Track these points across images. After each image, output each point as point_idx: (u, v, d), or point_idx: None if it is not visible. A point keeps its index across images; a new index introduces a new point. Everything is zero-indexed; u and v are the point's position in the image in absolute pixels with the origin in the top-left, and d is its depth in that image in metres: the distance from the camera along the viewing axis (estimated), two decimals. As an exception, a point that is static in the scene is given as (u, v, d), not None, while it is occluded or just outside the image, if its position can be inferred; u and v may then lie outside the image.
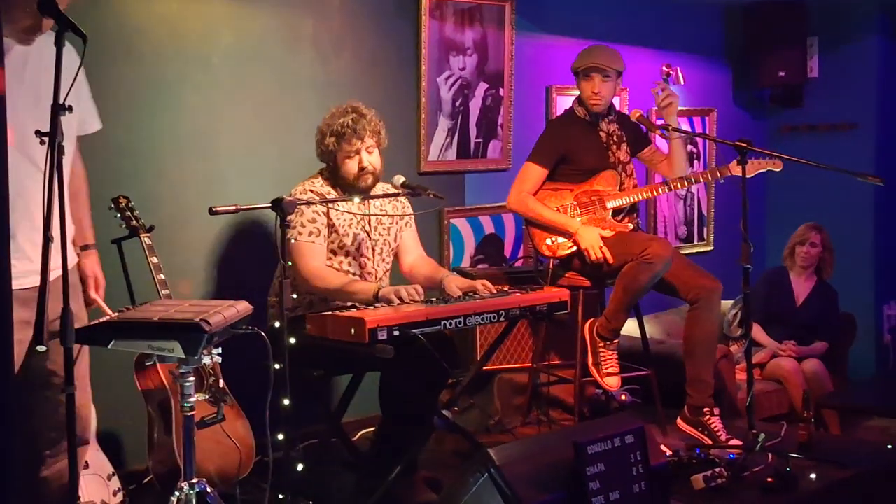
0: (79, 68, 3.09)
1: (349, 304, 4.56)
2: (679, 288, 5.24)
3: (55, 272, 3.54)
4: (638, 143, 5.55)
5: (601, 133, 5.43)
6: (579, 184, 5.39)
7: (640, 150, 5.56)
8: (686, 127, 7.56)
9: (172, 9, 4.98)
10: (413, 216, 5.03)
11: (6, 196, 2.80)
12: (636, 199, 5.42)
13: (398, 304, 4.44)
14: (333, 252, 4.71)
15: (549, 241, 5.38)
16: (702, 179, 5.64)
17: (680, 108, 7.41)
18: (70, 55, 3.57)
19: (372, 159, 4.70)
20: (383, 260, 4.85)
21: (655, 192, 5.55)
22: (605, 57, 5.38)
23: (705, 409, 5.15)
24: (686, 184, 5.58)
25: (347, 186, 4.71)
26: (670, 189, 5.55)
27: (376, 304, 4.47)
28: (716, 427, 5.10)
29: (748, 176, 4.94)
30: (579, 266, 5.36)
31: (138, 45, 4.84)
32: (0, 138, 2.72)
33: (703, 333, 5.20)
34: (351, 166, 4.68)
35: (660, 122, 5.43)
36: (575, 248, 5.31)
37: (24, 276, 3.25)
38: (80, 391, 3.71)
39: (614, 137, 5.45)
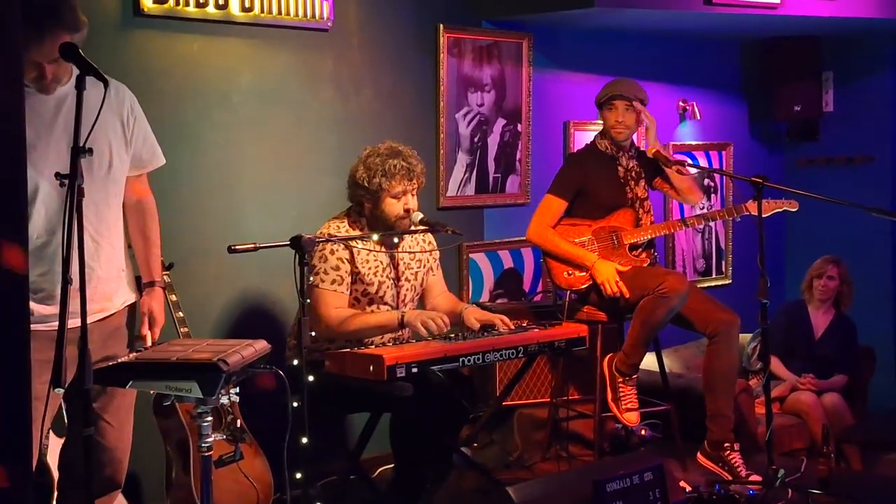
0: (100, 109, 3.11)
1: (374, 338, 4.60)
2: (697, 322, 5.23)
3: (100, 314, 3.58)
4: (654, 176, 5.57)
5: (620, 168, 5.45)
6: (597, 220, 5.40)
7: (653, 180, 5.58)
8: (703, 161, 7.57)
9: (193, 48, 5.03)
10: (438, 260, 5.01)
11: (26, 239, 2.82)
12: (654, 235, 5.43)
13: (426, 337, 4.48)
14: (357, 300, 4.67)
15: (566, 274, 5.38)
16: (718, 218, 5.66)
17: (697, 142, 7.48)
18: (121, 93, 3.64)
19: (414, 203, 4.69)
20: (405, 306, 4.82)
21: (673, 229, 5.55)
22: (626, 87, 5.44)
23: (726, 445, 5.13)
24: (703, 221, 5.59)
25: (383, 228, 4.66)
26: (687, 226, 5.56)
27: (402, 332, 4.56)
28: (736, 463, 5.08)
29: (764, 215, 4.95)
30: (597, 300, 5.37)
31: (159, 85, 4.89)
32: (20, 185, 2.74)
33: (722, 367, 5.19)
34: (396, 207, 4.63)
35: (676, 158, 5.44)
36: (592, 282, 5.31)
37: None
38: (118, 431, 3.74)
39: (633, 173, 5.46)
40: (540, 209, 5.48)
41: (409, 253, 4.81)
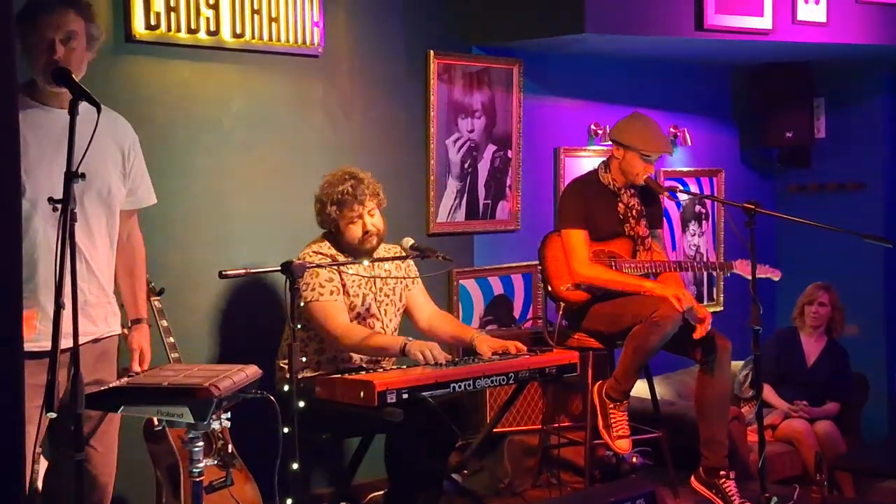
0: (91, 136, 3.10)
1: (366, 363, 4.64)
2: (688, 347, 5.22)
3: (89, 336, 3.55)
4: (654, 221, 5.55)
5: (620, 205, 5.39)
6: (596, 242, 5.35)
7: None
8: (694, 187, 7.58)
9: (184, 75, 5.02)
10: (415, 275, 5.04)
11: (19, 260, 2.80)
12: (649, 271, 5.34)
13: (424, 365, 4.50)
14: None
15: (565, 288, 5.29)
16: (709, 269, 5.69)
17: (688, 168, 7.49)
18: (124, 126, 3.65)
19: (375, 221, 4.73)
20: (390, 321, 4.86)
21: (667, 270, 5.48)
22: (668, 140, 5.40)
23: (721, 472, 5.10)
24: (697, 269, 5.61)
25: (352, 250, 4.74)
26: (681, 270, 5.52)
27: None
28: (730, 491, 5.05)
29: (748, 277, 4.96)
30: (589, 327, 5.32)
31: (150, 111, 4.88)
32: (13, 203, 2.72)
33: (714, 393, 5.17)
34: (355, 231, 4.70)
35: (668, 184, 5.42)
36: (590, 298, 5.26)
37: (48, 338, 3.23)
38: (104, 456, 3.70)
39: (633, 212, 5.39)
40: (568, 248, 5.31)
41: (393, 277, 4.83)
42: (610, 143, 5.84)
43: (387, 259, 4.79)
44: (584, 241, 5.31)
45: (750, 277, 4.92)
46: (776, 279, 5.40)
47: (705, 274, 7.66)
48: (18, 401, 2.72)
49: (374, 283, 4.81)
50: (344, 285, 4.70)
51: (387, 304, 4.86)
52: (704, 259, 7.73)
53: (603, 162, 5.49)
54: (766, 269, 5.34)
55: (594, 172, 5.49)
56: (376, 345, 4.61)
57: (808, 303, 6.85)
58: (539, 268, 5.48)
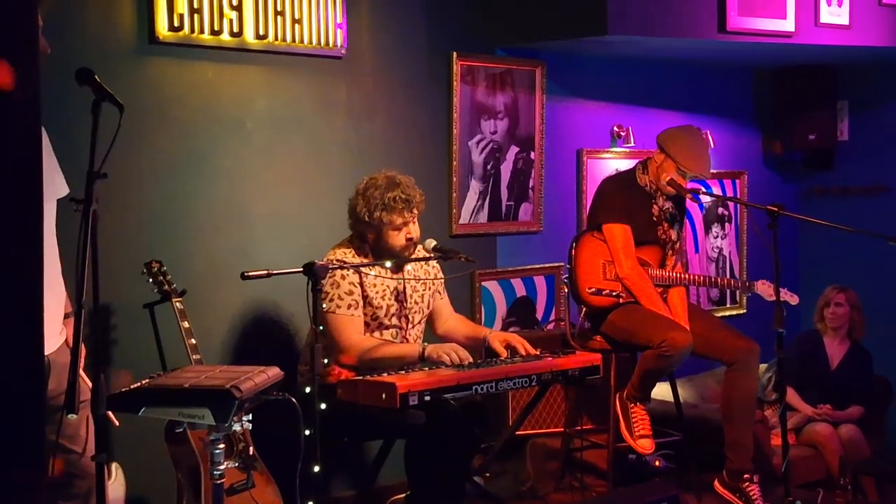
0: (114, 137, 3.09)
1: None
2: (715, 350, 5.20)
3: (56, 340, 3.51)
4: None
5: (655, 207, 5.38)
6: None
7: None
8: (717, 190, 7.55)
9: (207, 76, 5.03)
10: (443, 282, 5.01)
11: (41, 256, 2.79)
12: (676, 283, 5.34)
13: (447, 367, 4.48)
14: (367, 324, 4.68)
15: (590, 290, 5.27)
16: (731, 287, 5.66)
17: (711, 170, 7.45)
18: None
19: (416, 230, 4.72)
20: (413, 327, 4.84)
21: (693, 283, 5.45)
22: (710, 168, 5.40)
23: (745, 476, 5.08)
24: (719, 286, 5.59)
25: (391, 257, 4.68)
26: (706, 285, 5.50)
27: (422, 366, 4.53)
28: (754, 495, 5.03)
29: (767, 299, 4.93)
30: (605, 331, 5.29)
31: (173, 112, 4.89)
32: (36, 203, 2.71)
33: (741, 396, 5.15)
34: (398, 239, 4.66)
35: (691, 186, 5.39)
36: (614, 303, 5.24)
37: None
38: (88, 457, 3.66)
39: (667, 215, 5.39)
40: (614, 243, 5.29)
41: (417, 279, 4.81)
42: (630, 144, 5.85)
43: (408, 261, 4.77)
44: (628, 237, 5.28)
45: (769, 299, 4.88)
46: (794, 303, 5.37)
47: (730, 253, 7.68)
48: (41, 405, 2.71)
49: (403, 292, 4.79)
50: (367, 296, 4.67)
51: (415, 312, 4.84)
52: (728, 268, 7.70)
53: (641, 163, 5.47)
54: (786, 292, 5.32)
55: (631, 172, 5.48)
56: (392, 354, 4.58)
57: (825, 305, 6.80)
58: (567, 267, 5.44)
